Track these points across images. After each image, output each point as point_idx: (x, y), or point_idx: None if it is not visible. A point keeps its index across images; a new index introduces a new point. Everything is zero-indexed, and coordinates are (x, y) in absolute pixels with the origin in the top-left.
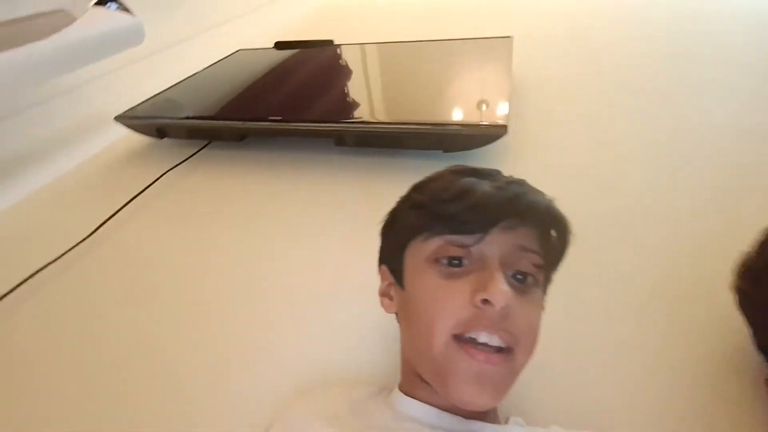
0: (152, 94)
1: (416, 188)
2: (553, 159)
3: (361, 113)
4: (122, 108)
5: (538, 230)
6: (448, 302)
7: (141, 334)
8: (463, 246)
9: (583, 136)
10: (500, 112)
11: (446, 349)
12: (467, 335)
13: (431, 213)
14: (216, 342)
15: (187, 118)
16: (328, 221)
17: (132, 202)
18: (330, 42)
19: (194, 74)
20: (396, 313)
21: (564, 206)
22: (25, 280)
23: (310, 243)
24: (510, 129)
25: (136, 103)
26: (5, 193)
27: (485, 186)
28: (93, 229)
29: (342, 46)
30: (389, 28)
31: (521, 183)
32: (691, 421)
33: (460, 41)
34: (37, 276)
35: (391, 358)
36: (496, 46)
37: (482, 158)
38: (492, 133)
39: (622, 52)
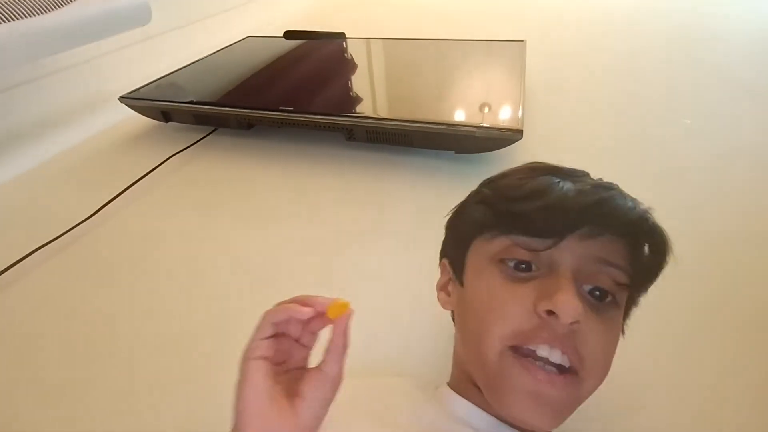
0: (158, 76)
1: (487, 182)
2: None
3: (374, 109)
4: (126, 88)
5: (627, 243)
6: (508, 307)
7: (139, 317)
8: (531, 250)
9: (597, 143)
10: (515, 116)
11: (501, 359)
12: (526, 347)
13: (499, 210)
14: (217, 328)
15: (194, 103)
16: (337, 215)
17: (136, 184)
18: (341, 34)
19: (202, 58)
20: (452, 311)
21: None
22: (23, 259)
23: (319, 236)
24: (524, 133)
25: (142, 85)
26: (3, 167)
27: (565, 187)
28: (94, 209)
29: (353, 40)
30: (401, 24)
31: (610, 186)
32: None
33: (475, 42)
34: (35, 254)
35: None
36: (510, 49)
37: (494, 162)
38: (507, 137)
39: (635, 59)
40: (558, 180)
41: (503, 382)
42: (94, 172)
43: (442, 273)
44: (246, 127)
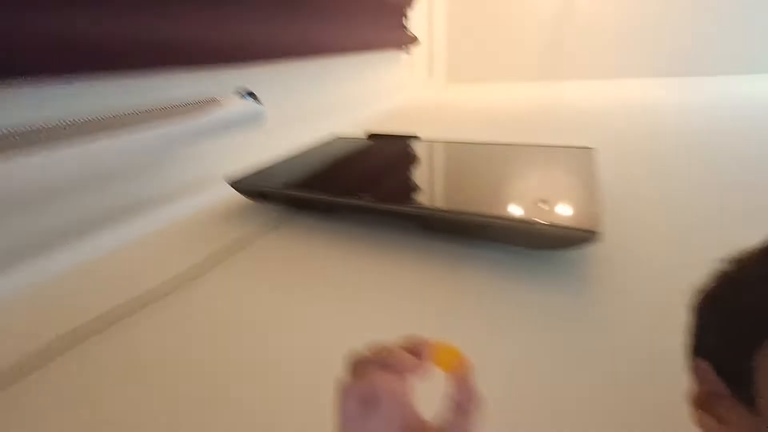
0: (259, 167)
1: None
2: (643, 270)
3: (450, 203)
4: (227, 171)
5: None
6: None
7: (217, 384)
8: None
9: (673, 257)
10: (592, 217)
11: None
12: None
13: None
14: (291, 408)
15: (287, 187)
16: (408, 303)
17: (227, 258)
18: (417, 137)
19: (297, 154)
20: None
21: (653, 319)
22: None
23: (389, 322)
24: (599, 235)
25: (244, 169)
26: (108, 238)
27: None
28: (191, 276)
29: (429, 142)
30: (466, 130)
31: None
32: None
33: (545, 147)
34: (126, 319)
35: None
36: (581, 155)
37: (567, 260)
38: (582, 237)
39: (719, 169)
40: None
41: None
42: (190, 244)
43: (698, 380)
44: (328, 211)
